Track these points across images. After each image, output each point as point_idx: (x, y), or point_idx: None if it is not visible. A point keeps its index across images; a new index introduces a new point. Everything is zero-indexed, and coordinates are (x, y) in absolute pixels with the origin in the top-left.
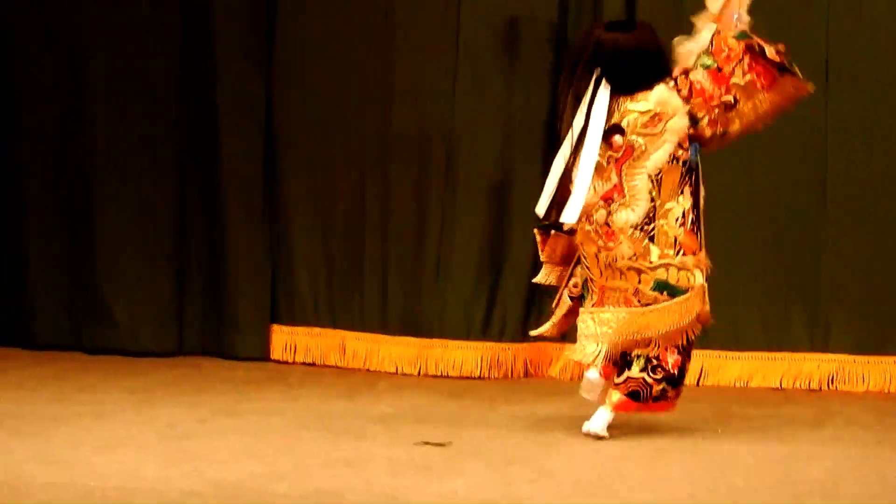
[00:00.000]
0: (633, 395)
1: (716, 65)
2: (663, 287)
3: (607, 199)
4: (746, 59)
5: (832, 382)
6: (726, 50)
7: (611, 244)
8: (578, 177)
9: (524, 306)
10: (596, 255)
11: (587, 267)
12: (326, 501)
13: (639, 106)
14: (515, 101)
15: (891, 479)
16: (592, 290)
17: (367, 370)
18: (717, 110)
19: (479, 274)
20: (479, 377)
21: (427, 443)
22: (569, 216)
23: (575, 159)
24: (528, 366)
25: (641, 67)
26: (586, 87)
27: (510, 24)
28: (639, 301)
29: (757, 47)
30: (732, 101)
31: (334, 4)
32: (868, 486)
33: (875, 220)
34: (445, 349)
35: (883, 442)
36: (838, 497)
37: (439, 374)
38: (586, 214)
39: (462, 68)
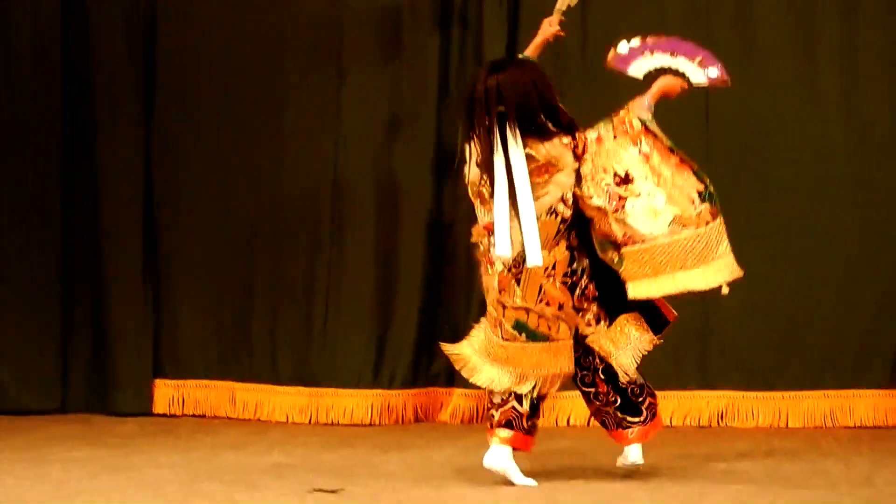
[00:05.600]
0: (508, 424)
1: (612, 133)
2: (522, 328)
3: (489, 231)
4: (644, 141)
5: (722, 419)
6: (627, 124)
7: (490, 271)
8: (524, 221)
9: (413, 352)
10: (484, 282)
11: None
12: None
13: (530, 152)
14: (398, 164)
15: None
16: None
17: (258, 420)
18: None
19: (369, 322)
20: (370, 424)
21: (320, 490)
22: (534, 259)
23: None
24: (419, 411)
25: (535, 114)
26: (492, 131)
27: (393, 79)
28: (501, 335)
29: (656, 134)
30: (623, 174)
31: (217, 63)
32: None
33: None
34: (336, 397)
35: (774, 476)
36: None
37: (330, 422)
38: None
39: (346, 130)
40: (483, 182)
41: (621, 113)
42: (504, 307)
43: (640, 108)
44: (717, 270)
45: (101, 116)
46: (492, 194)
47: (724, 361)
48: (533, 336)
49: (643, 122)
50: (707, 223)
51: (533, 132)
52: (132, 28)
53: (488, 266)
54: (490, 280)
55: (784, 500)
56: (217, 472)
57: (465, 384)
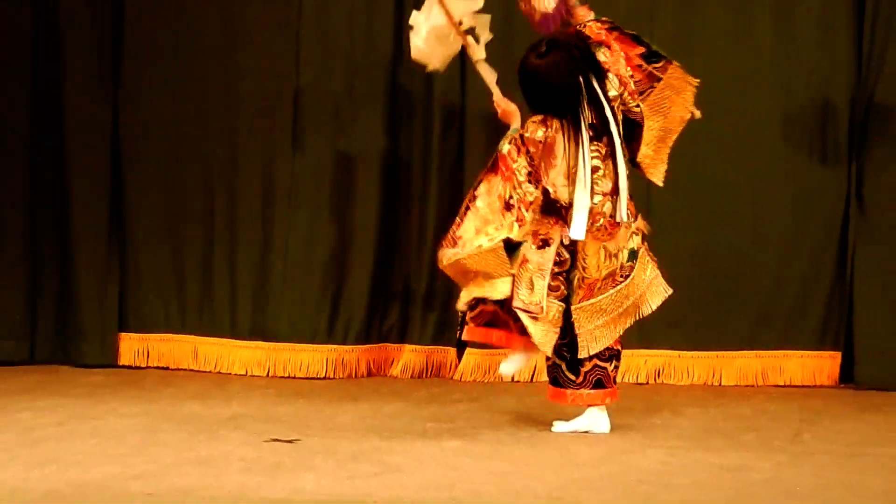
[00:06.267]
0: (598, 384)
1: (607, 48)
2: (633, 256)
3: (612, 194)
4: (607, 36)
5: (658, 377)
6: (602, 33)
7: (613, 231)
8: (579, 194)
9: (367, 310)
10: (598, 252)
11: (584, 267)
12: (180, 499)
13: (613, 92)
14: (354, 126)
15: (716, 466)
16: (580, 287)
17: (219, 373)
18: (630, 84)
19: (324, 280)
20: (325, 377)
21: (276, 440)
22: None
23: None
24: (371, 366)
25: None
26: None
27: (348, 55)
28: (622, 276)
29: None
30: (628, 76)
31: (178, 25)
32: (695, 473)
33: (696, 224)
34: (292, 352)
35: (708, 431)
36: (669, 485)
37: (287, 375)
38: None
39: (303, 86)
40: (597, 149)
41: (587, 31)
42: (620, 249)
43: (587, 14)
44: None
45: (70, 73)
46: (607, 156)
47: (662, 322)
48: (635, 259)
49: (598, 21)
50: (659, 80)
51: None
52: None
53: (613, 227)
54: (618, 235)
55: (718, 455)
56: (179, 422)
57: (416, 340)
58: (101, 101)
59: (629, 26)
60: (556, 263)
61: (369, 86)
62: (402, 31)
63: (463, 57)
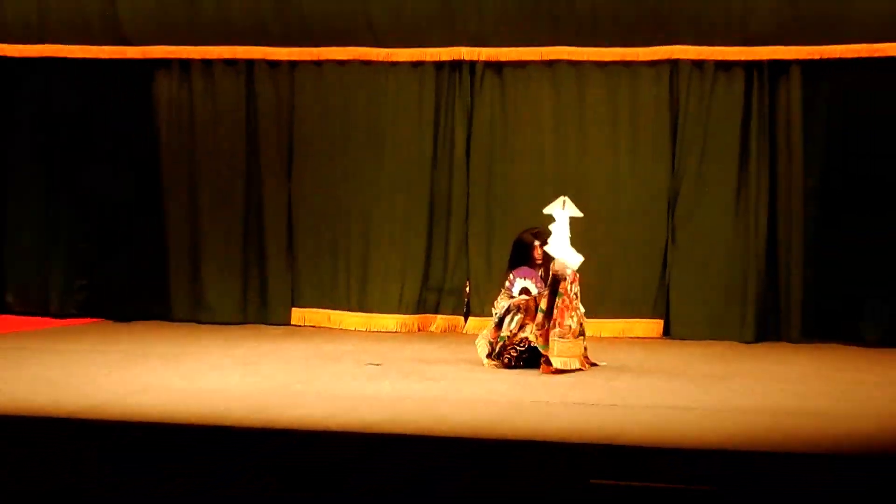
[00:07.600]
0: None
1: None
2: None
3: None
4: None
5: None
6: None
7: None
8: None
9: (418, 296)
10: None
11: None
12: (318, 395)
13: None
14: (408, 200)
15: (598, 379)
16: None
17: (341, 329)
18: None
19: (395, 280)
20: (395, 332)
21: (370, 364)
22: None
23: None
24: (420, 326)
25: None
26: None
27: (410, 165)
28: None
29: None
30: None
31: (325, 137)
32: (585, 384)
33: (593, 250)
34: (380, 318)
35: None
36: (574, 388)
37: (376, 331)
38: None
39: (383, 184)
40: None
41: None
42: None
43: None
44: None
45: (264, 168)
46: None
47: None
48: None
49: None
50: None
51: None
52: (281, 112)
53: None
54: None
55: (598, 375)
56: (319, 354)
57: (443, 312)
58: (280, 185)
59: (557, 116)
60: None
61: (414, 185)
62: (436, 159)
63: (467, 160)
